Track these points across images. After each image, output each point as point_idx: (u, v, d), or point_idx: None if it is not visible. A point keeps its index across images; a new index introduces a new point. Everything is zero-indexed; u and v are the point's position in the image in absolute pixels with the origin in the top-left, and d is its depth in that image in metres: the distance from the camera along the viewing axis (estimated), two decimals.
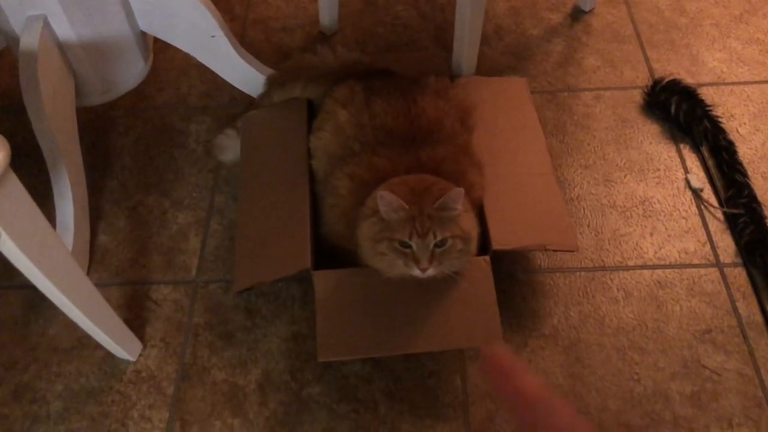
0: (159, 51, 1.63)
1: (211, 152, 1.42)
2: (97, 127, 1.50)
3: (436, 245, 1.01)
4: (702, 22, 1.63)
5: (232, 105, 1.52)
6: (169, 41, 1.33)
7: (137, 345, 1.15)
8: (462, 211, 1.04)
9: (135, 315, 1.21)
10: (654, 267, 1.21)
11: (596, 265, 1.22)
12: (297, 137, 1.28)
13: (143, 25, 1.30)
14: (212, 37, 1.32)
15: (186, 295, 1.23)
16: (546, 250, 1.12)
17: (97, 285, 1.13)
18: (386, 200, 1.00)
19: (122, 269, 1.27)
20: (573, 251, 1.17)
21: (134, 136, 1.48)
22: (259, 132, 1.35)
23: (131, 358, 1.14)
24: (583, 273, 1.21)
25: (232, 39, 1.34)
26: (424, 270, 1.02)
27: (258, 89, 1.43)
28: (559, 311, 1.16)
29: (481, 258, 1.09)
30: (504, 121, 1.30)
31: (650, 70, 1.53)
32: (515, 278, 1.20)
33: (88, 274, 1.26)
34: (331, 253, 1.16)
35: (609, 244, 1.25)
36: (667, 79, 1.46)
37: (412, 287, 1.07)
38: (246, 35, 1.68)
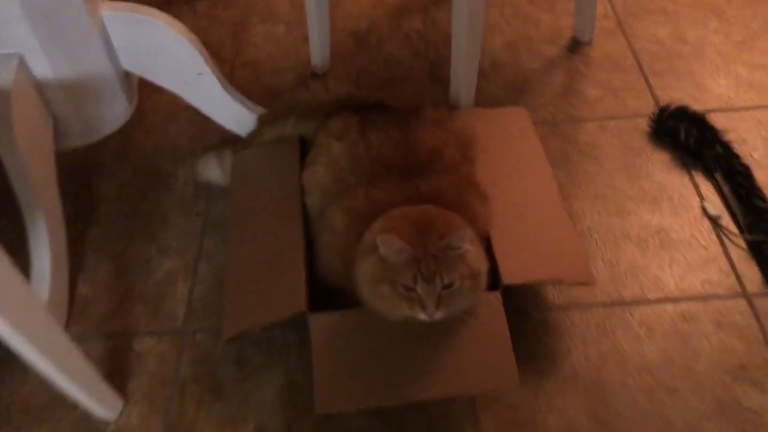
0: (147, 95, 1.57)
1: (193, 174, 1.35)
2: (81, 172, 1.43)
3: (443, 288, 0.93)
4: (704, 50, 1.58)
5: (222, 147, 1.45)
6: (153, 80, 1.27)
7: (118, 402, 1.05)
8: (469, 247, 0.96)
9: (116, 369, 1.11)
10: (677, 300, 1.12)
11: (614, 299, 1.13)
12: (289, 175, 1.21)
13: (126, 64, 1.24)
14: (199, 75, 1.27)
15: (172, 346, 1.14)
16: (560, 283, 1.03)
17: (77, 338, 1.04)
18: (387, 243, 0.93)
19: (104, 321, 1.18)
20: (589, 284, 1.08)
21: (119, 182, 1.41)
22: (248, 172, 1.28)
23: (111, 417, 1.04)
24: (600, 308, 1.12)
25: (219, 77, 1.28)
26: (431, 316, 0.93)
27: (248, 128, 1.36)
28: (578, 350, 1.07)
29: (491, 294, 1.01)
30: (507, 152, 1.24)
31: (654, 98, 1.47)
32: (527, 316, 1.12)
33: (66, 327, 1.17)
34: (328, 294, 1.07)
35: (626, 276, 1.16)
36: (673, 106, 1.40)
37: (417, 329, 0.98)
38: (235, 77, 1.63)
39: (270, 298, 1.06)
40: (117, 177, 1.42)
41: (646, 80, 1.52)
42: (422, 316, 0.94)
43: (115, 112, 1.26)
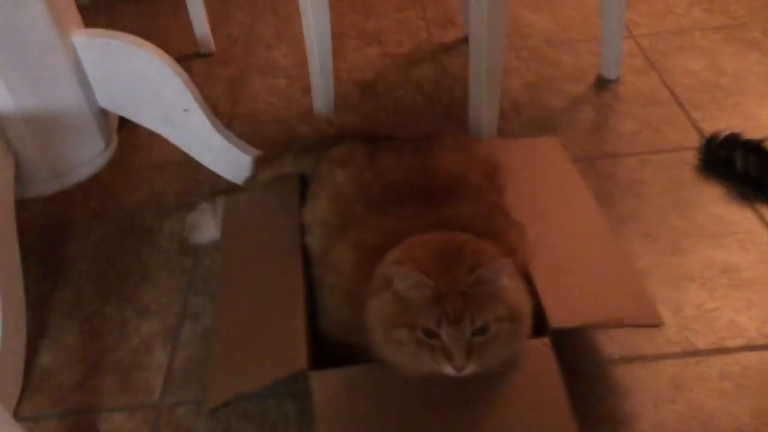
0: (132, 151, 1.43)
1: (184, 233, 1.18)
2: (54, 230, 1.26)
3: (474, 333, 0.73)
4: (746, 81, 1.43)
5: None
6: (133, 118, 1.12)
7: None
8: (507, 283, 0.77)
9: None
10: (762, 347, 0.91)
11: (685, 349, 0.93)
12: (287, 215, 1.04)
13: (103, 101, 1.09)
14: (185, 111, 1.12)
15: (145, 423, 0.93)
16: (622, 326, 0.83)
17: (30, 418, 0.85)
18: (403, 275, 0.74)
19: (66, 395, 0.98)
20: (657, 326, 0.88)
21: (96, 239, 1.24)
22: (241, 217, 1.11)
23: None
24: (670, 360, 0.91)
25: (209, 114, 1.13)
26: (460, 369, 0.73)
27: (241, 172, 1.20)
28: (649, 412, 0.86)
29: (538, 341, 0.81)
30: (540, 181, 1.06)
31: (698, 130, 1.31)
32: (579, 373, 0.91)
33: (19, 403, 0.96)
34: (335, 353, 0.87)
35: (695, 323, 0.96)
36: (723, 135, 1.23)
37: (446, 387, 0.77)
38: (232, 128, 1.47)
39: (264, 357, 0.86)
40: (93, 234, 1.25)
41: (686, 113, 1.36)
42: (449, 369, 0.74)
43: (88, 155, 1.10)
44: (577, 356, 0.93)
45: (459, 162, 0.96)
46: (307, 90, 1.55)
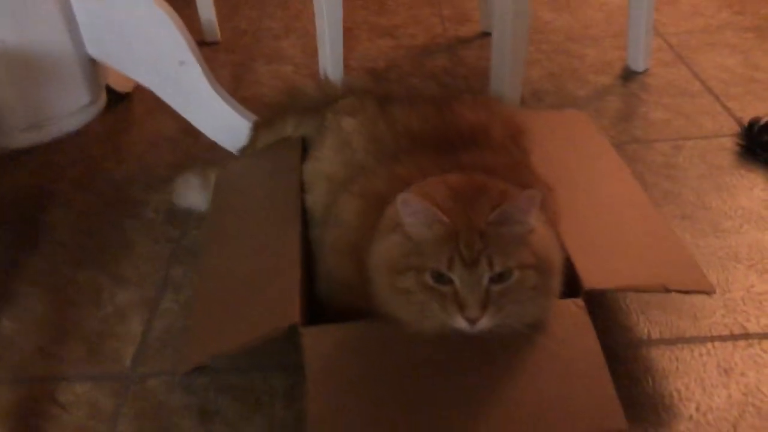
0: (124, 128, 1.34)
1: (172, 197, 1.07)
2: (31, 200, 1.16)
3: (492, 280, 0.62)
4: None
5: None
6: (123, 70, 1.02)
7: None
8: (536, 226, 0.66)
9: (28, 426, 0.77)
10: None
11: (734, 332, 0.81)
12: (286, 177, 0.93)
13: (92, 50, 1.00)
14: (180, 64, 1.02)
15: (112, 394, 0.81)
16: (667, 291, 0.71)
17: None
18: (413, 207, 0.63)
19: (24, 362, 0.86)
20: (709, 293, 0.76)
21: (77, 209, 1.14)
22: (235, 182, 1.00)
23: None
24: (717, 343, 0.79)
25: (206, 70, 1.03)
26: (473, 321, 0.61)
27: (239, 140, 1.09)
28: (697, 397, 0.73)
29: (569, 301, 0.69)
30: (570, 150, 0.96)
31: (735, 119, 1.21)
32: (614, 354, 0.78)
33: None
34: (331, 321, 0.75)
35: (745, 305, 0.84)
36: (766, 118, 1.13)
37: (458, 348, 0.65)
38: None
39: (252, 316, 0.74)
40: (75, 204, 1.15)
41: (722, 103, 1.26)
42: (460, 321, 0.63)
43: (72, 105, 1.01)
44: (611, 335, 0.81)
45: (481, 116, 0.86)
46: (314, 76, 1.46)
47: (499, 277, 0.63)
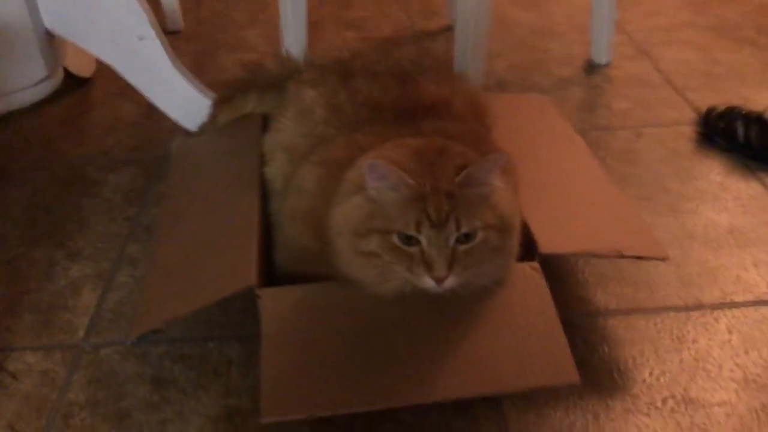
0: (85, 110, 1.31)
1: None
2: None
3: (458, 240, 0.62)
4: (741, 70, 1.37)
5: (166, 157, 1.16)
6: (81, 44, 1.01)
7: None
8: (498, 187, 0.66)
9: None
10: None
11: (688, 303, 0.82)
12: (246, 151, 0.93)
13: (50, 23, 0.98)
14: (140, 39, 1.01)
15: (63, 363, 0.79)
16: (622, 257, 0.72)
17: None
18: (380, 172, 0.63)
19: None
20: (662, 259, 0.77)
21: (32, 188, 1.11)
22: (193, 156, 0.99)
23: None
24: (672, 313, 0.80)
25: (166, 45, 1.02)
26: (440, 280, 0.61)
27: (198, 118, 1.08)
28: (651, 362, 0.74)
29: (525, 264, 0.69)
30: (531, 129, 0.97)
31: (694, 109, 1.23)
32: (572, 324, 0.78)
33: None
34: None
35: (699, 278, 0.85)
36: (722, 107, 1.15)
37: (416, 307, 0.65)
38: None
39: (208, 279, 0.73)
40: (30, 183, 1.12)
41: (681, 94, 1.29)
42: (427, 281, 0.62)
43: (27, 81, 0.99)
44: (569, 306, 0.81)
45: (444, 90, 0.86)
46: None
47: (465, 238, 0.63)
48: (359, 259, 0.66)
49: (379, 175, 0.64)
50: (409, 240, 0.63)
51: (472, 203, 0.64)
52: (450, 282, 0.63)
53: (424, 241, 0.63)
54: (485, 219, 0.64)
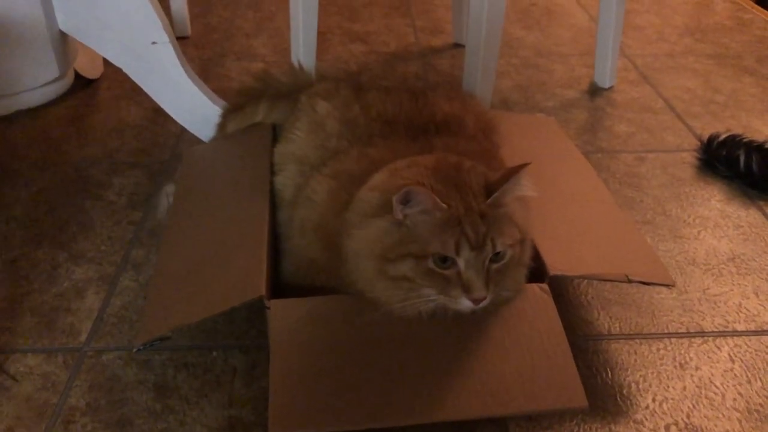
0: (90, 111, 1.31)
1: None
2: None
3: (491, 260, 0.63)
4: (742, 98, 1.39)
5: (174, 160, 1.17)
6: (94, 47, 1.01)
7: None
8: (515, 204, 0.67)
9: None
10: None
11: (690, 330, 0.82)
12: (256, 160, 0.93)
13: (63, 23, 0.98)
14: (153, 44, 1.01)
15: (65, 367, 0.78)
16: (630, 281, 0.72)
17: None
18: (414, 199, 0.63)
19: None
20: (669, 286, 0.78)
21: (36, 189, 1.11)
22: (202, 164, 0.99)
23: None
24: (674, 339, 0.81)
25: (178, 51, 1.02)
26: (479, 301, 0.62)
27: (208, 127, 1.09)
28: (654, 388, 0.74)
29: (535, 285, 0.70)
30: (537, 148, 0.97)
31: (696, 136, 1.25)
32: (575, 346, 0.78)
33: None
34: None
35: (701, 305, 0.86)
36: (724, 135, 1.17)
37: (427, 325, 0.66)
38: None
39: (215, 288, 0.73)
40: (34, 184, 1.12)
41: (683, 120, 1.30)
42: (464, 303, 0.63)
43: (39, 80, 0.99)
44: (573, 328, 0.82)
45: (455, 107, 0.87)
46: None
47: (496, 256, 0.64)
48: (386, 282, 0.65)
49: (414, 202, 0.63)
50: (444, 262, 0.63)
51: (502, 222, 0.65)
52: (487, 301, 0.63)
53: (462, 263, 0.63)
54: (513, 236, 0.65)
